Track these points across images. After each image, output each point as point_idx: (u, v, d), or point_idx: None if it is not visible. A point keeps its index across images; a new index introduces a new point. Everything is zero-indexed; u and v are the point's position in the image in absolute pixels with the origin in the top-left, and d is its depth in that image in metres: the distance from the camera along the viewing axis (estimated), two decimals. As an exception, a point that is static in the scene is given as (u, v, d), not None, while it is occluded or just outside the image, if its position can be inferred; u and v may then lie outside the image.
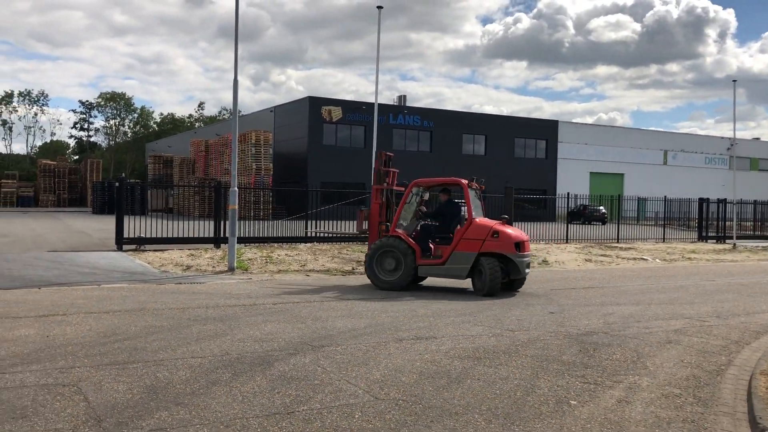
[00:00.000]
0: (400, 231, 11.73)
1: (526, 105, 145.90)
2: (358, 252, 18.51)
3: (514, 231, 11.73)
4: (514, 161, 50.75)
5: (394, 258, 11.39)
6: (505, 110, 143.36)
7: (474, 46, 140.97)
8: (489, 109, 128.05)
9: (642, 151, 58.43)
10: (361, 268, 15.03)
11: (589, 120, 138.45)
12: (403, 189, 12.35)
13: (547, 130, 53.25)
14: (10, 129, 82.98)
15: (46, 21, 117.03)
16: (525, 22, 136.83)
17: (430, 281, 12.52)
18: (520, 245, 11.23)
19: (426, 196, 12.77)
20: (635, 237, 27.31)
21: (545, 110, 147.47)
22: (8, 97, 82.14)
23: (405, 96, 51.60)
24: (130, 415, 4.64)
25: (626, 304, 10.55)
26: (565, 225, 26.05)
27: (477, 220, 11.48)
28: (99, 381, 5.41)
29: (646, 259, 19.96)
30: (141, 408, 4.80)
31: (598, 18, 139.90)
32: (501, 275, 10.99)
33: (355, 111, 44.82)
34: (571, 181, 49.99)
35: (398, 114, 46.71)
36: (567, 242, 24.52)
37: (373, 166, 12.86)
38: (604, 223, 38.58)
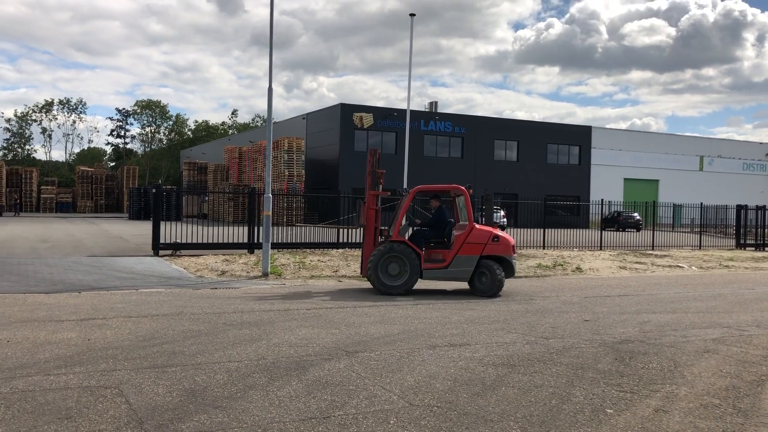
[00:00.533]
0: (402, 236, 12.00)
1: (558, 110, 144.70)
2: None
3: (508, 235, 12.60)
4: (547, 167, 50.34)
5: (398, 263, 11.56)
6: (537, 116, 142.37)
7: (505, 51, 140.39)
8: (521, 115, 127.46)
9: (677, 156, 57.49)
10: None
11: (623, 125, 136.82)
12: (387, 193, 12.98)
13: (580, 135, 52.72)
14: (50, 136, 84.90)
15: (85, 31, 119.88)
16: (557, 27, 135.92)
17: (424, 284, 12.50)
18: (513, 248, 12.21)
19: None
20: (671, 244, 26.87)
21: (578, 116, 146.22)
22: (48, 105, 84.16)
23: (436, 102, 51.62)
24: (170, 418, 4.74)
25: (662, 312, 10.40)
26: (599, 232, 25.75)
27: (477, 225, 12.12)
28: (139, 384, 5.54)
29: (682, 267, 19.63)
30: (181, 411, 4.90)
31: (631, 23, 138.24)
32: (504, 276, 11.83)
33: (386, 117, 44.96)
34: (605, 188, 49.42)
35: (430, 120, 46.72)
36: (601, 249, 24.24)
37: (367, 167, 12.83)
38: (638, 229, 38.09)
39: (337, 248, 20.70)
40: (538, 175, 49.05)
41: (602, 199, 27.13)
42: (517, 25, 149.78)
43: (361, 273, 12.86)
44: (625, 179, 54.64)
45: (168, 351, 6.75)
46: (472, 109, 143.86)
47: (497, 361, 6.72)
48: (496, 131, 49.19)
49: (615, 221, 39.30)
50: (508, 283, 14.40)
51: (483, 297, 11.65)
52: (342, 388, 5.60)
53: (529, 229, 24.78)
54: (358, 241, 21.30)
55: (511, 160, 49.76)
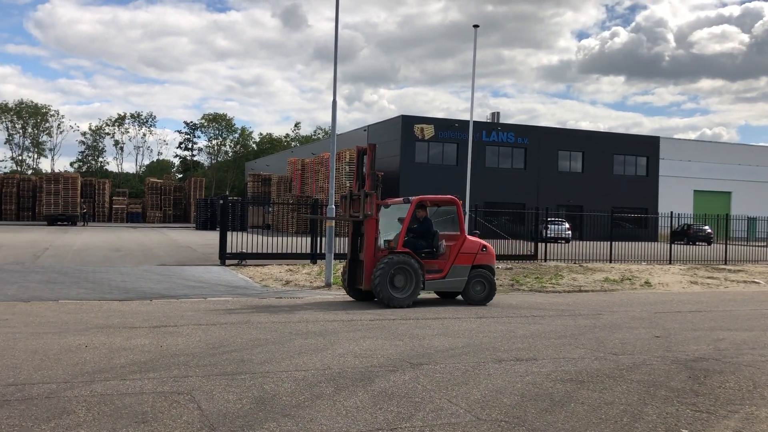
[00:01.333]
0: (406, 247, 11.67)
1: (624, 121, 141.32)
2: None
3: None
4: (613, 178, 49.20)
5: (404, 275, 11.36)
6: (602, 126, 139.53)
7: (569, 61, 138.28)
8: (585, 125, 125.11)
9: (751, 168, 55.27)
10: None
11: (692, 135, 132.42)
12: (398, 201, 12.80)
13: (647, 146, 51.34)
14: (122, 149, 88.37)
15: (156, 47, 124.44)
16: (622, 36, 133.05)
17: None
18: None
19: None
20: (745, 259, 25.79)
21: (645, 126, 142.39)
22: (121, 119, 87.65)
23: (498, 113, 51.24)
24: (240, 425, 4.83)
25: (738, 330, 9.99)
26: (668, 245, 24.95)
27: (468, 236, 12.38)
28: (210, 390, 5.67)
29: (759, 283, 18.80)
30: (251, 418, 4.99)
31: (701, 30, 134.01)
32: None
33: (448, 129, 44.89)
34: (674, 200, 47.87)
35: (492, 131, 46.41)
36: (670, 263, 23.47)
37: (365, 167, 12.32)
38: (709, 243, 36.72)
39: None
40: (604, 186, 47.96)
41: (671, 212, 26.30)
42: (581, 35, 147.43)
43: (346, 286, 12.29)
44: (695, 191, 52.86)
45: (237, 359, 6.90)
46: (535, 119, 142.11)
47: (565, 377, 6.58)
48: (560, 142, 48.44)
49: (685, 234, 38.03)
50: (574, 297, 14.13)
51: (474, 305, 11.84)
52: (408, 400, 5.60)
53: (594, 242, 24.25)
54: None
55: (576, 171, 48.87)
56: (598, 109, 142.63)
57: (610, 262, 22.82)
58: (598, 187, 47.72)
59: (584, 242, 24.46)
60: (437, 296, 12.89)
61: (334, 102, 15.14)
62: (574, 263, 22.34)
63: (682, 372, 6.93)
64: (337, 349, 7.52)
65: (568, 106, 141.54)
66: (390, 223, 12.45)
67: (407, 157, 44.11)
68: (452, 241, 12.30)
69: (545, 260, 22.96)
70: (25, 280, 13.59)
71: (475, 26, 17.60)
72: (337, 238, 18.63)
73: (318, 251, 19.21)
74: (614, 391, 6.10)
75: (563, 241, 32.97)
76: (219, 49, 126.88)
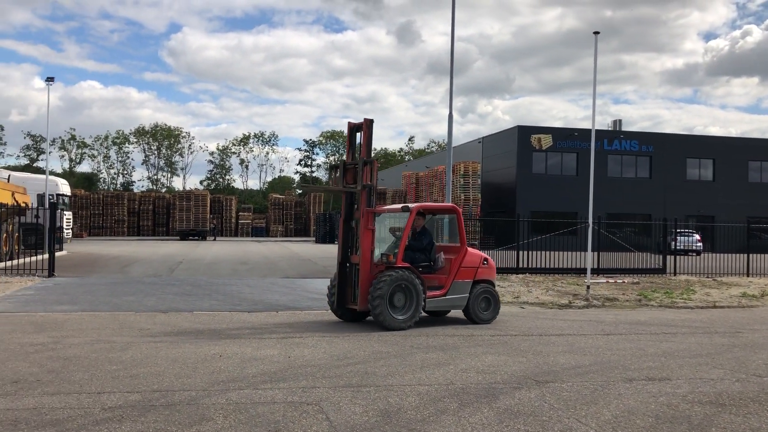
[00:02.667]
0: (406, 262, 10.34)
1: (760, 124, 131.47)
2: (574, 285, 17.90)
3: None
4: (749, 186, 45.88)
5: (405, 293, 10.04)
6: (734, 131, 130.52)
7: (695, 64, 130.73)
8: (715, 131, 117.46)
9: None
10: (579, 302, 14.53)
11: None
12: (394, 209, 11.38)
13: (788, 151, 47.51)
14: (247, 167, 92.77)
15: (277, 69, 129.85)
16: (756, 34, 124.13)
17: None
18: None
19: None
20: None
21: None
22: (245, 139, 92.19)
23: (620, 120, 49.38)
24: (368, 437, 4.91)
25: None
26: (815, 258, 22.91)
27: (468, 248, 11.10)
28: (338, 401, 5.81)
29: None
30: (377, 431, 5.06)
31: None
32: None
33: (566, 138, 43.71)
34: (820, 208, 43.94)
35: (614, 139, 44.71)
36: (818, 277, 21.52)
37: (361, 149, 10.61)
38: None
39: (517, 273, 20.40)
40: (738, 195, 44.82)
41: (818, 221, 24.15)
42: (708, 36, 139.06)
43: (333, 306, 10.77)
44: None
45: (361, 371, 7.03)
46: (659, 126, 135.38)
47: (703, 399, 6.19)
48: (688, 149, 45.87)
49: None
50: (708, 313, 13.27)
51: (479, 324, 10.69)
52: (534, 418, 5.47)
53: (728, 255, 22.70)
54: (539, 266, 20.86)
55: (706, 179, 46.06)
56: (730, 113, 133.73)
57: (748, 275, 21.26)
58: (731, 196, 44.67)
59: (717, 255, 22.94)
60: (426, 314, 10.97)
61: (450, 116, 15.17)
62: (707, 277, 21.03)
63: (839, 398, 6.33)
64: (459, 365, 7.48)
65: (696, 111, 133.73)
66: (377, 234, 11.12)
67: (524, 169, 43.33)
68: (451, 253, 11.10)
69: (675, 274, 21.79)
70: (162, 292, 14.54)
71: (596, 33, 17.04)
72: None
73: (435, 264, 19.26)
74: (760, 417, 5.67)
75: (693, 254, 31.18)
76: (336, 68, 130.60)
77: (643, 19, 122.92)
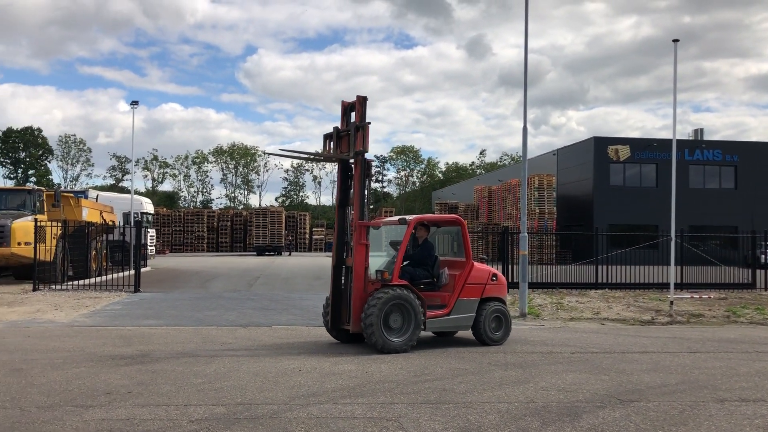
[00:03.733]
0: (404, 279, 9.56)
1: None
2: (656, 300, 17.29)
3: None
4: None
5: (401, 313, 9.23)
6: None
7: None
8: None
9: None
10: (662, 318, 14.02)
11: None
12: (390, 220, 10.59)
13: None
14: (319, 183, 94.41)
15: (348, 87, 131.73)
16: None
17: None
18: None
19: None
20: None
21: None
22: (319, 156, 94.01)
23: (701, 129, 47.56)
24: (448, 455, 4.88)
25: None
26: None
27: (475, 263, 10.23)
28: (417, 418, 5.80)
29: None
30: (458, 448, 5.02)
31: None
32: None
33: (645, 149, 42.40)
34: None
35: (695, 149, 43.07)
36: None
37: (354, 172, 9.75)
38: None
39: (596, 289, 19.88)
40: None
41: None
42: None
43: (328, 326, 10.10)
44: None
45: (439, 387, 6.99)
46: (745, 134, 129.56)
47: (804, 423, 5.85)
48: (777, 157, 43.63)
49: None
50: (805, 332, 12.54)
51: (490, 345, 9.91)
52: (620, 439, 5.30)
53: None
54: (618, 280, 20.23)
55: (799, 190, 43.64)
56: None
57: None
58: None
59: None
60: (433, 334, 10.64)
61: (525, 129, 14.99)
62: (802, 293, 19.89)
63: None
64: (539, 382, 7.34)
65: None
66: (376, 248, 10.65)
67: (601, 181, 42.25)
68: (456, 268, 10.19)
69: (766, 289, 20.71)
70: (242, 307, 14.92)
71: (675, 40, 16.52)
72: (531, 266, 18.28)
73: (509, 280, 19.00)
74: None
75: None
76: (406, 84, 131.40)
77: (725, 23, 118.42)
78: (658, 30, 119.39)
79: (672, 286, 16.24)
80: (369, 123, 9.61)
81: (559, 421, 5.80)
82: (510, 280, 19.17)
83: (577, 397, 6.66)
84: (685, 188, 40.20)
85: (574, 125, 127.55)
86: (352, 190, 9.86)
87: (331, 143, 10.24)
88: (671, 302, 15.23)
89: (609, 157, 42.32)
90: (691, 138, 46.42)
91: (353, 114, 9.86)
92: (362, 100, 9.72)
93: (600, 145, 42.63)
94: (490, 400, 6.50)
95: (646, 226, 36.50)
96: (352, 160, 9.83)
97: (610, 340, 10.87)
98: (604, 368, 8.27)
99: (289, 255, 50.51)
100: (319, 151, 10.62)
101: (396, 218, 10.26)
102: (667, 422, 5.80)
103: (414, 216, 10.15)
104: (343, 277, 9.86)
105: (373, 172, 9.86)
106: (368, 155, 9.77)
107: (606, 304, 16.41)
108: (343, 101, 10.18)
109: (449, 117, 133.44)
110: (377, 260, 10.18)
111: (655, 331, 12.33)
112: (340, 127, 10.11)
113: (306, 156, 10.76)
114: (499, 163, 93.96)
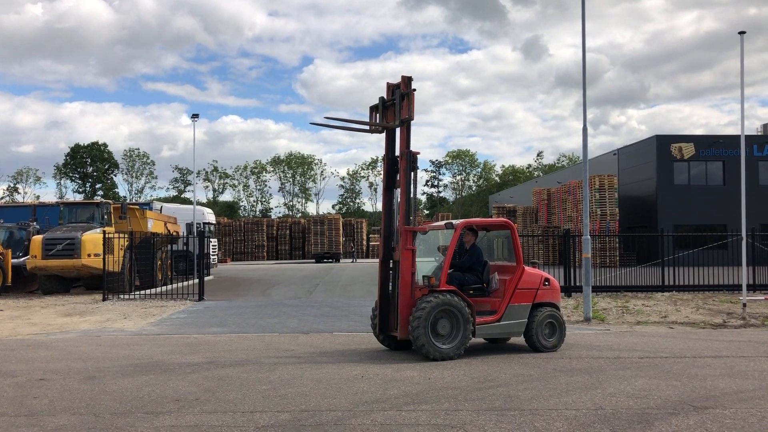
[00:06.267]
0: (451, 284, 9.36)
1: None
2: (728, 303, 16.64)
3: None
4: None
5: (450, 319, 9.04)
6: None
7: None
8: None
9: None
10: (735, 321, 13.48)
11: None
12: (425, 227, 10.38)
13: None
14: (376, 190, 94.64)
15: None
16: None
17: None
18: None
19: None
20: None
21: None
22: (374, 162, 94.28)
23: (770, 124, 45.55)
24: (516, 463, 4.79)
25: None
26: None
27: (526, 267, 9.91)
28: (482, 425, 5.72)
29: None
30: (525, 456, 4.92)
31: None
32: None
33: (710, 146, 40.95)
34: None
35: (764, 144, 41.33)
36: None
37: (399, 166, 9.77)
38: None
39: (663, 291, 19.27)
40: None
41: None
42: None
43: (375, 331, 10.01)
44: None
45: (503, 394, 6.89)
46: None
47: None
48: None
49: None
50: None
51: (543, 352, 9.60)
52: (696, 448, 5.10)
53: None
54: (686, 283, 19.56)
55: None
56: None
57: None
58: None
59: None
60: (485, 341, 10.55)
61: (585, 129, 14.69)
62: None
63: None
64: (607, 388, 7.14)
65: None
66: (428, 253, 10.47)
67: (664, 180, 40.99)
68: (506, 273, 9.97)
69: None
70: (303, 314, 15.08)
71: (741, 33, 15.92)
72: (594, 269, 17.87)
73: (572, 283, 18.65)
74: None
75: None
76: (461, 88, 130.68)
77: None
78: (722, 23, 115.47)
79: (744, 287, 15.59)
80: (414, 89, 9.46)
81: (630, 428, 5.62)
82: (573, 283, 18.79)
83: (648, 404, 6.45)
84: (754, 185, 38.59)
85: (635, 124, 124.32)
86: (398, 189, 9.82)
87: (377, 116, 10.14)
88: (744, 304, 14.62)
89: (672, 155, 41.03)
90: (759, 133, 44.60)
91: (397, 90, 9.73)
92: (407, 80, 9.61)
93: (663, 143, 41.39)
94: (557, 406, 6.36)
95: (714, 225, 35.11)
96: (398, 153, 9.79)
97: (680, 344, 10.51)
98: (675, 373, 7.99)
99: (354, 261, 50.78)
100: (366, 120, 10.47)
101: (443, 223, 10.09)
102: (745, 430, 5.55)
103: (461, 220, 9.97)
104: (390, 275, 9.72)
105: (418, 166, 9.78)
106: (421, 159, 9.77)
107: (674, 307, 15.89)
108: (388, 82, 10.05)
109: (505, 120, 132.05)
110: (426, 266, 10.09)
111: (727, 334, 11.86)
112: (387, 95, 9.94)
113: (353, 126, 10.71)
114: (557, 164, 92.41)
